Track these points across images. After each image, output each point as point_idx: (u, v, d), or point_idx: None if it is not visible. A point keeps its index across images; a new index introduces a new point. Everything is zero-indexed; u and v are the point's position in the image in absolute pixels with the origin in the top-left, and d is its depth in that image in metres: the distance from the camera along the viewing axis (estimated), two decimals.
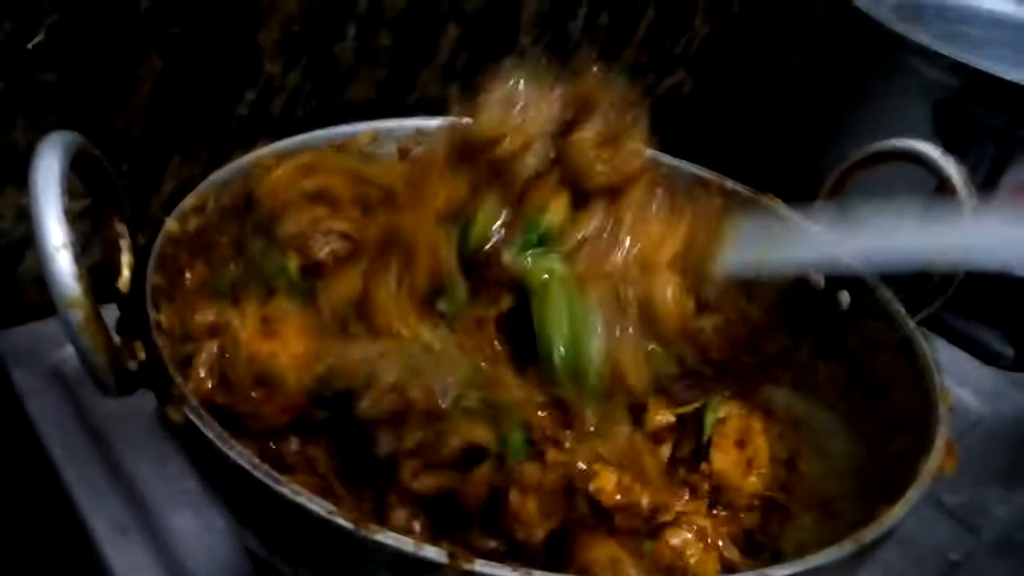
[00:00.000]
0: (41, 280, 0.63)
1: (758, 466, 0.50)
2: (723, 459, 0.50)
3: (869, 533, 0.38)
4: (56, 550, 0.58)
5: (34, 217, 0.37)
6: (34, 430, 0.57)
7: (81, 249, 0.38)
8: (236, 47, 0.66)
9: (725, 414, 0.52)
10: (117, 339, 0.41)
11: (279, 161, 0.57)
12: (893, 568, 0.59)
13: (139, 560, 0.51)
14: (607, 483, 0.42)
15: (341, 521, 0.34)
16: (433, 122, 0.63)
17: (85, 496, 0.53)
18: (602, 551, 0.42)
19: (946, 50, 0.72)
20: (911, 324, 0.50)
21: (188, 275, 0.49)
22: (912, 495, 0.40)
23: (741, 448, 0.50)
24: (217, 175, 0.53)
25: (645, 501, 0.42)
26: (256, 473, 0.35)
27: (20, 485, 0.62)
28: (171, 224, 0.48)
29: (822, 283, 0.56)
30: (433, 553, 0.34)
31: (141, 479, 0.55)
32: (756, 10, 0.92)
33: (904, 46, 0.74)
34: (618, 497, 0.42)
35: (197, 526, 0.53)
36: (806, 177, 0.77)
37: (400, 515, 0.41)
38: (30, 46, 0.58)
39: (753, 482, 0.50)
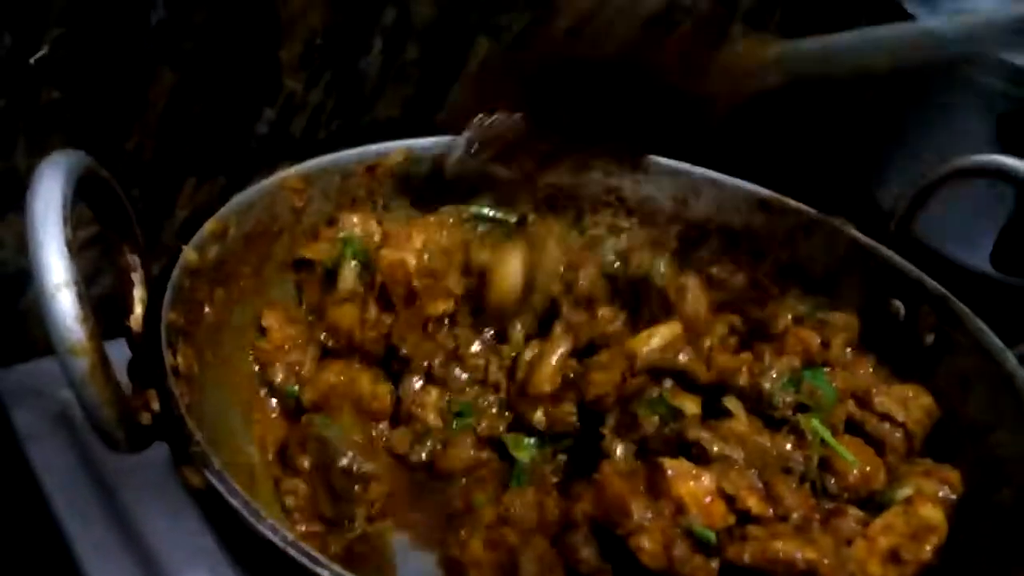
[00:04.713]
0: None
1: (905, 561, 0.42)
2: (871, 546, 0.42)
3: None
4: None
5: (32, 250, 0.33)
6: (36, 478, 0.52)
7: (88, 280, 0.34)
8: (254, 62, 0.62)
9: (914, 491, 0.44)
10: (127, 385, 0.37)
11: (306, 182, 0.53)
12: None
13: None
14: None
15: None
16: None
17: (90, 554, 0.48)
18: None
19: (1009, 58, 0.67)
20: (1011, 358, 0.45)
21: (208, 309, 0.45)
22: None
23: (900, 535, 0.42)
24: (239, 198, 0.48)
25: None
26: (290, 551, 0.30)
27: (19, 538, 0.57)
28: (189, 254, 0.43)
29: (903, 312, 0.50)
30: None
31: (153, 535, 0.49)
32: (798, 24, 0.88)
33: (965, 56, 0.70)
34: None
35: None
36: (866, 198, 0.73)
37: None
38: (32, 61, 0.53)
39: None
